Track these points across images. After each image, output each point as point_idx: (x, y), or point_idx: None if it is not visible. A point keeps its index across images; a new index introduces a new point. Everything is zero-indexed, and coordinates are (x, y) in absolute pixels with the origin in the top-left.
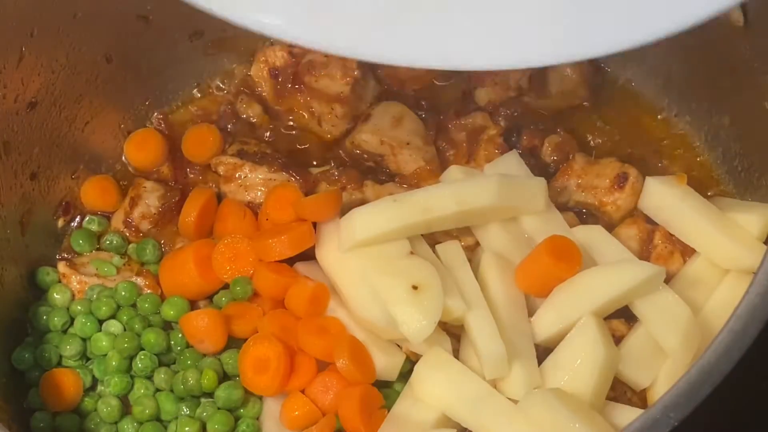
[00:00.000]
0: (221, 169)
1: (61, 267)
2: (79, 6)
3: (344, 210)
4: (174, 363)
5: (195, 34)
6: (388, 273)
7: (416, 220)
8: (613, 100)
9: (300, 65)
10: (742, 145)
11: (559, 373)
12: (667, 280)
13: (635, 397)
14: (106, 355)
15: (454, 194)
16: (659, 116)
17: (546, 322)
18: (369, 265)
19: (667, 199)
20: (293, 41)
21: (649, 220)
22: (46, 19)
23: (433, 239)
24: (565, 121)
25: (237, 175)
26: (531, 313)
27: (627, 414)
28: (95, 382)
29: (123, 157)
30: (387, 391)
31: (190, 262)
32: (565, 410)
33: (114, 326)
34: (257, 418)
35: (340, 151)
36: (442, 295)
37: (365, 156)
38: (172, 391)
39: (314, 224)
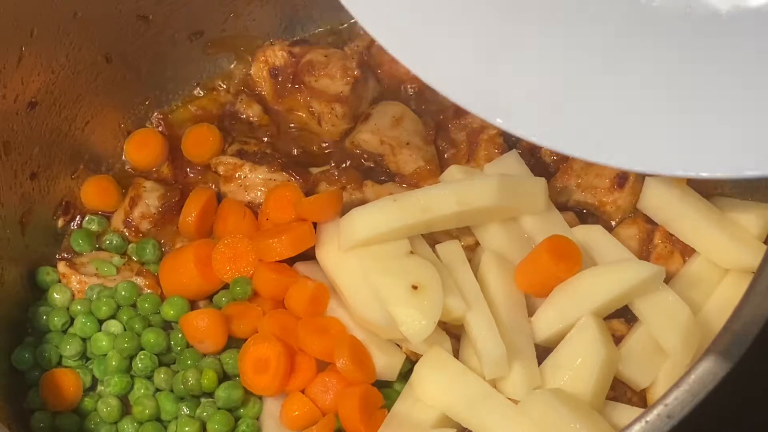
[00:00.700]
0: (221, 169)
1: (61, 267)
2: (79, 6)
3: (344, 210)
4: (174, 363)
5: (195, 34)
6: (388, 273)
7: (416, 220)
8: None
9: (300, 65)
10: None
11: (559, 373)
12: (667, 280)
13: (635, 397)
14: (106, 355)
15: (454, 194)
16: None
17: (546, 322)
18: (369, 265)
19: (666, 199)
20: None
21: (648, 220)
22: (46, 19)
23: (433, 239)
24: None
25: (237, 175)
26: (531, 313)
27: (627, 414)
28: (95, 382)
29: (123, 157)
30: (387, 391)
31: (190, 262)
32: (565, 410)
33: (114, 326)
34: (257, 418)
35: (340, 151)
36: (442, 295)
37: (365, 156)
38: (172, 391)
39: (314, 224)
